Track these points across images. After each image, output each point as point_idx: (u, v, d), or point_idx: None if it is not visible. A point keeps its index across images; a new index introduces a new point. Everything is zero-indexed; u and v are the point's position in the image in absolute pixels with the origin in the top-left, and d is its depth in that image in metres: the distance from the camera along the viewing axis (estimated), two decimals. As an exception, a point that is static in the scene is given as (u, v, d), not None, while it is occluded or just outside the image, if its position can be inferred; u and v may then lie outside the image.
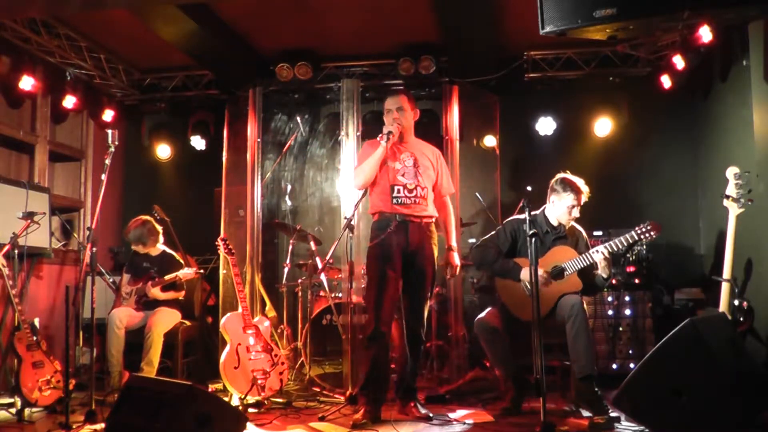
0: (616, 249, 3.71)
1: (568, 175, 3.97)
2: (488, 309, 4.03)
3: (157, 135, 6.50)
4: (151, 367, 4.53)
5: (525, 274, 3.85)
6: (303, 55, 5.76)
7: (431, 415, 3.77)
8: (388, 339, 3.86)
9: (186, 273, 4.80)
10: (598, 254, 3.72)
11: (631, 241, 3.68)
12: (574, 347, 3.65)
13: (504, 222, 4.14)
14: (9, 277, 4.27)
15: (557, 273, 3.83)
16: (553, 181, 3.98)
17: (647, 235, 3.64)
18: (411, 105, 3.99)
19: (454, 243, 4.06)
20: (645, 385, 3.04)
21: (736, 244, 3.67)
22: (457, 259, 4.04)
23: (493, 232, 4.13)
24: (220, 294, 5.27)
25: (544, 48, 5.68)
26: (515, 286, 3.91)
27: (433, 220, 3.99)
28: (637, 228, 3.67)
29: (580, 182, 3.93)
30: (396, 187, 3.87)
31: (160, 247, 5.04)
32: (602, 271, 3.78)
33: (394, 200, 3.86)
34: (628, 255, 5.07)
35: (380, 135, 3.84)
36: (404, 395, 3.90)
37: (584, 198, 3.92)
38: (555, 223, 3.97)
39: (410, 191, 3.87)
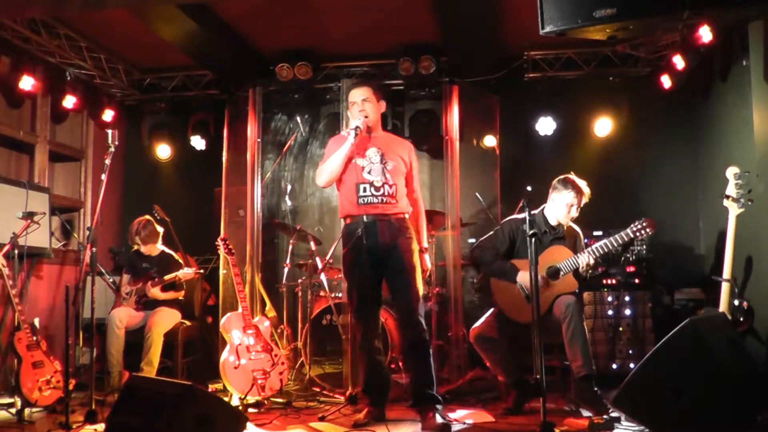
0: (610, 248, 3.70)
1: (572, 176, 3.96)
2: (483, 318, 4.02)
3: (157, 135, 6.49)
4: (151, 367, 4.53)
5: (521, 277, 3.84)
6: (303, 55, 5.76)
7: (450, 423, 3.58)
8: (379, 341, 3.79)
9: (185, 273, 4.80)
10: (584, 258, 3.72)
11: (626, 239, 3.68)
12: (571, 348, 3.65)
13: (502, 222, 4.14)
14: (9, 277, 4.27)
15: (553, 273, 3.83)
16: (555, 179, 3.98)
17: (643, 231, 3.64)
18: (377, 96, 3.76)
19: (425, 244, 3.84)
20: (645, 385, 3.04)
21: (736, 244, 3.67)
22: (428, 262, 3.84)
23: (491, 233, 4.12)
24: (220, 294, 5.27)
25: (544, 48, 5.68)
26: (511, 288, 3.91)
27: (406, 215, 3.76)
28: (632, 225, 3.67)
29: (582, 183, 3.93)
30: (362, 186, 3.66)
31: (160, 247, 5.05)
32: (582, 272, 3.79)
33: (360, 200, 3.65)
34: (627, 255, 5.08)
35: (347, 130, 3.66)
36: (422, 404, 3.60)
37: (585, 199, 3.91)
38: (554, 223, 3.97)
39: (377, 189, 3.65)
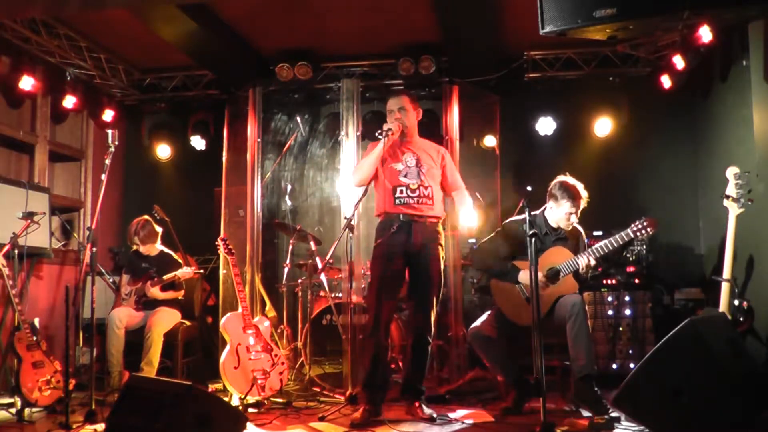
0: (610, 249, 3.69)
1: (568, 179, 3.92)
2: (483, 317, 4.01)
3: (157, 135, 6.49)
4: (151, 367, 4.53)
5: (522, 276, 3.84)
6: (303, 55, 5.76)
7: (435, 415, 3.76)
8: (386, 339, 3.85)
9: (185, 272, 4.81)
10: (583, 259, 3.71)
11: (627, 239, 3.67)
12: (574, 347, 3.64)
13: (503, 224, 4.13)
14: (9, 277, 4.27)
15: (553, 275, 3.82)
16: (552, 184, 3.94)
17: (644, 231, 3.63)
18: (413, 105, 3.99)
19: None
20: (645, 385, 3.04)
21: (736, 244, 3.67)
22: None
23: (492, 234, 4.12)
24: (220, 294, 5.27)
25: (544, 48, 5.68)
26: (511, 290, 3.90)
27: (439, 220, 3.94)
28: (632, 225, 3.66)
29: (579, 187, 3.89)
30: (399, 188, 3.85)
31: (159, 247, 5.05)
32: (582, 273, 3.78)
33: (397, 200, 3.84)
34: (626, 255, 5.08)
35: (379, 131, 3.81)
36: (410, 396, 3.89)
37: (583, 204, 3.88)
38: (555, 226, 3.96)
39: (413, 191, 3.84)
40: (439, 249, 3.89)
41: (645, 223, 3.63)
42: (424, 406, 3.82)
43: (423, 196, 3.85)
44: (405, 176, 3.87)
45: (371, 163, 3.85)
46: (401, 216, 3.82)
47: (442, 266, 3.90)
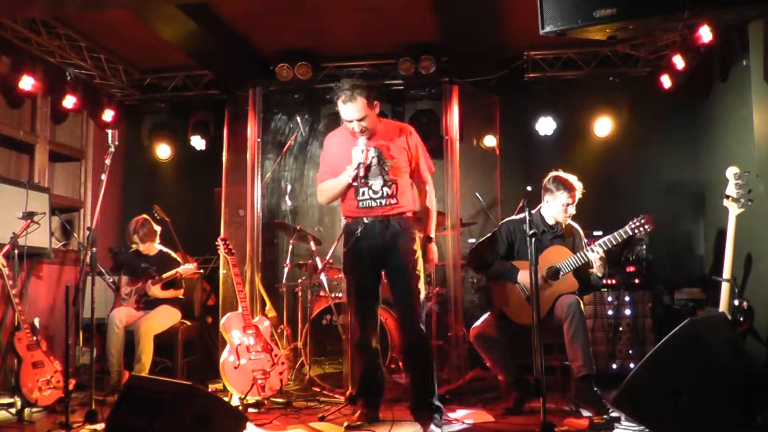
0: (611, 246, 3.70)
1: (560, 173, 3.94)
2: (483, 317, 4.02)
3: (157, 135, 6.49)
4: (140, 365, 4.53)
5: (521, 276, 3.84)
6: (303, 55, 5.76)
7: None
8: (377, 341, 3.73)
9: (186, 269, 4.83)
10: (594, 253, 3.71)
11: (625, 236, 3.68)
12: (572, 347, 3.65)
13: (500, 224, 4.13)
14: (9, 277, 4.27)
15: (552, 273, 3.82)
16: (545, 180, 3.96)
17: (641, 228, 3.64)
18: (370, 102, 3.53)
19: (431, 234, 3.71)
20: (645, 385, 3.03)
21: (736, 244, 3.67)
22: (434, 252, 3.70)
23: (489, 234, 4.12)
24: (220, 294, 5.27)
25: (544, 48, 5.69)
26: (511, 290, 3.91)
27: (409, 213, 3.68)
28: (630, 222, 3.67)
29: (572, 179, 3.91)
30: (361, 189, 3.62)
31: (158, 246, 5.05)
32: (597, 270, 3.78)
33: (360, 203, 3.63)
34: (627, 254, 5.08)
35: (354, 168, 3.52)
36: (422, 412, 3.54)
37: (578, 194, 3.89)
38: (551, 223, 3.96)
39: (375, 192, 3.60)
40: (412, 243, 3.62)
41: (643, 221, 3.64)
42: (434, 426, 3.46)
43: (387, 196, 3.58)
44: (367, 177, 3.61)
45: (337, 193, 3.66)
46: (364, 219, 3.61)
47: (418, 255, 3.62)
